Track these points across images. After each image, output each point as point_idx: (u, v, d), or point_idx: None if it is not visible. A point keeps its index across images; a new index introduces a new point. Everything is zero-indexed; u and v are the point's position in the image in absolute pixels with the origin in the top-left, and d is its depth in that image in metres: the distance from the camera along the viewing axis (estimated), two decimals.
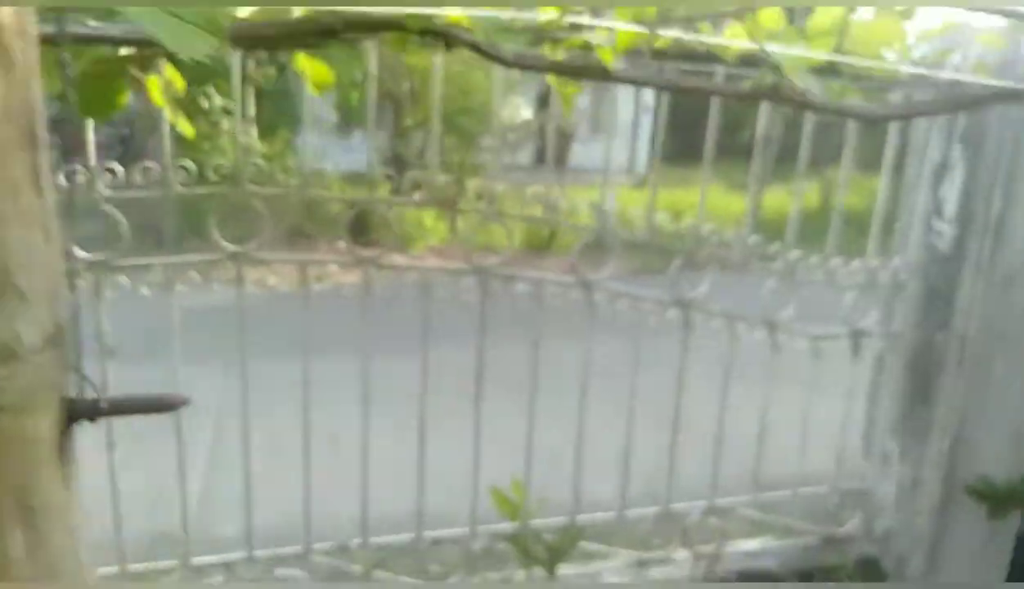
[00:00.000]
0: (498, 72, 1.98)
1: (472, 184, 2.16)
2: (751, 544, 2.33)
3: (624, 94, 2.05)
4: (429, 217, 8.47)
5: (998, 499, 2.16)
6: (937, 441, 2.17)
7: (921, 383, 2.21)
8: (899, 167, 2.27)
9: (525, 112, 10.63)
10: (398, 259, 2.08)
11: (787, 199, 2.38)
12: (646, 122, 14.23)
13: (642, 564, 2.23)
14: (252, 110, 2.69)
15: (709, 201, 2.14)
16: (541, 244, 8.41)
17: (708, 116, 2.00)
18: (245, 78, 1.79)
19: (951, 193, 2.12)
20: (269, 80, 8.37)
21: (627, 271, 2.26)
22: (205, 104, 8.69)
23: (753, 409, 2.27)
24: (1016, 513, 2.20)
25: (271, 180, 1.80)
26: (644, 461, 2.25)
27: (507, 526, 2.12)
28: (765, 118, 1.99)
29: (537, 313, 2.03)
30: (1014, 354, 2.09)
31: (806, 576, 2.23)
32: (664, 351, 2.13)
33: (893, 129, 2.15)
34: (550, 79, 1.53)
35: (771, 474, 2.35)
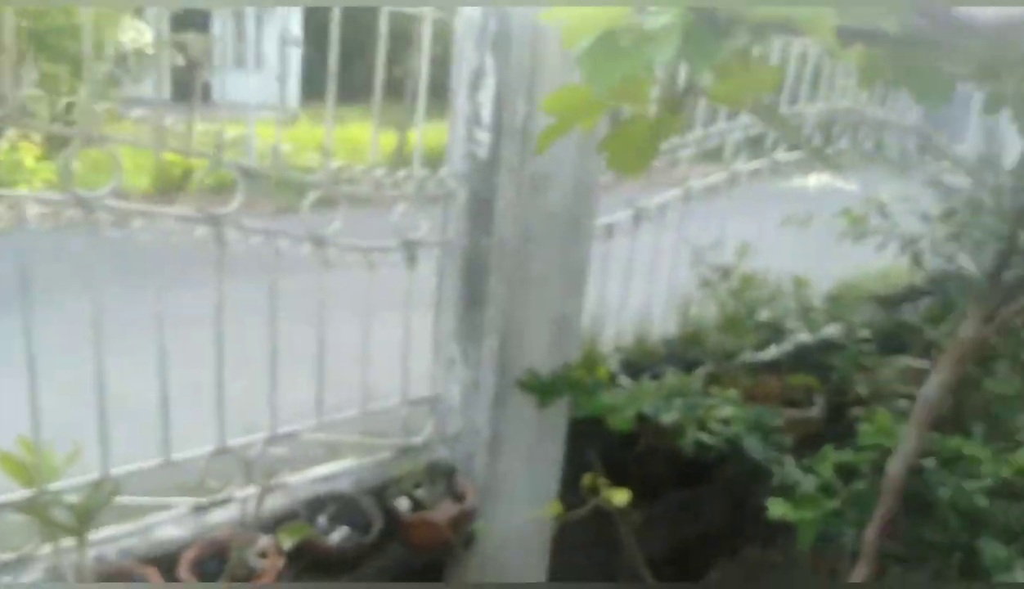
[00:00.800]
0: None
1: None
2: (323, 469, 2.27)
3: (270, 27, 1.88)
4: (29, 158, 7.25)
5: (545, 390, 2.33)
6: (490, 342, 2.26)
7: (473, 287, 2.28)
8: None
9: (148, 36, 9.50)
10: None
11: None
12: (295, 56, 13.73)
13: (200, 510, 2.05)
14: None
15: (359, 138, 2.05)
16: (172, 185, 7.66)
17: (359, 53, 1.88)
18: None
19: (486, 101, 2.17)
20: None
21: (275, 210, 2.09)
22: None
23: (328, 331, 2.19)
24: (564, 400, 2.40)
25: None
26: (205, 401, 2.07)
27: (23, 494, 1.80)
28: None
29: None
30: (547, 254, 2.23)
31: (379, 491, 2.22)
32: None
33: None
34: None
35: (341, 394, 2.30)
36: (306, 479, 2.22)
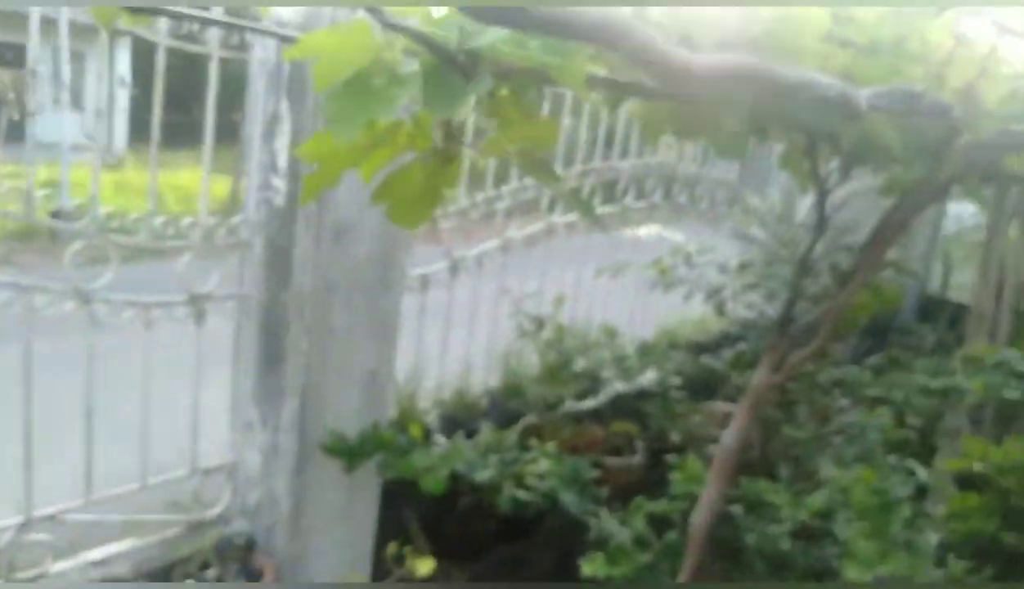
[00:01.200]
0: None
1: None
2: (96, 553, 2.00)
3: (96, 66, 1.80)
4: None
5: (352, 452, 2.19)
6: (290, 402, 2.11)
7: (272, 344, 2.12)
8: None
9: None
10: None
11: None
12: (123, 97, 12.96)
13: None
14: None
15: (190, 184, 1.86)
16: None
17: (193, 95, 1.72)
18: None
19: (282, 147, 2.04)
20: None
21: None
22: None
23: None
24: (375, 463, 2.26)
25: None
26: None
27: None
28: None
29: None
30: (352, 306, 2.12)
31: (163, 574, 1.99)
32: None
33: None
34: None
35: (120, 467, 2.06)
36: (74, 566, 1.95)
